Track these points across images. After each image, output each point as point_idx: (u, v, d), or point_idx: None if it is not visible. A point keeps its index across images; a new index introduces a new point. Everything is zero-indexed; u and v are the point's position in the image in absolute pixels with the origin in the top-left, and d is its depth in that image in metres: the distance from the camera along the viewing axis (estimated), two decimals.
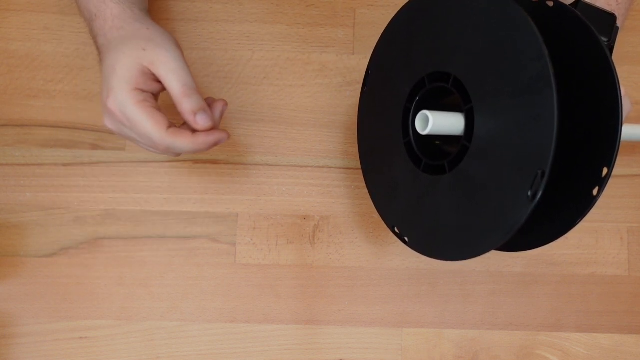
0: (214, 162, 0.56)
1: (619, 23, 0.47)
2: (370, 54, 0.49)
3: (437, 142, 0.45)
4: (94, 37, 0.48)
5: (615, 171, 0.58)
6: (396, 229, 0.46)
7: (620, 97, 0.38)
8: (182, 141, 0.42)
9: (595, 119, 0.39)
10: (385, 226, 0.56)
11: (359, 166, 0.56)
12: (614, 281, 0.57)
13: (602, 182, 0.38)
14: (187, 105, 0.42)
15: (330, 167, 0.57)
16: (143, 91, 0.43)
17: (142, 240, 0.55)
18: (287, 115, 0.57)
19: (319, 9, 0.58)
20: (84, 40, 0.56)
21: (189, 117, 0.42)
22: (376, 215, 0.56)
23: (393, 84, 0.46)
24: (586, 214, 0.40)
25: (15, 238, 0.54)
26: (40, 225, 0.54)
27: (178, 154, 0.46)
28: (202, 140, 0.43)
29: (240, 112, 0.56)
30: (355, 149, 0.57)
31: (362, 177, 0.51)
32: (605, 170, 0.38)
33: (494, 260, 0.57)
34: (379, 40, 0.49)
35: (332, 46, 0.58)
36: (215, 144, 0.43)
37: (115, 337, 0.54)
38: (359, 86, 0.56)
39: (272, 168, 0.56)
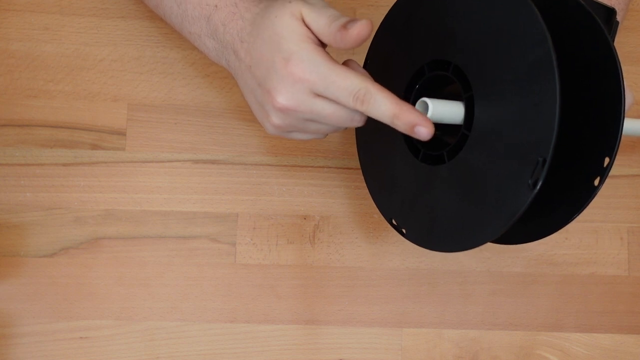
0: (214, 162, 0.56)
1: (618, 18, 0.47)
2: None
3: (436, 132, 0.44)
4: (212, 31, 0.43)
5: (615, 171, 0.58)
6: (394, 221, 0.46)
7: (623, 81, 0.37)
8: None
9: (597, 107, 0.38)
10: (385, 226, 0.56)
11: (359, 166, 0.56)
12: (614, 281, 0.57)
13: (603, 172, 0.38)
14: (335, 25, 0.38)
15: (330, 167, 0.57)
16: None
17: (142, 240, 0.55)
18: None
19: None
20: (84, 40, 0.56)
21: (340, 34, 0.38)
22: (376, 215, 0.56)
23: (392, 73, 0.45)
24: (587, 205, 0.39)
25: (15, 238, 0.54)
26: (40, 225, 0.54)
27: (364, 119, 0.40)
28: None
29: (240, 112, 0.56)
30: (355, 149, 0.57)
31: (362, 175, 0.51)
32: (607, 160, 0.38)
33: (494, 260, 0.57)
34: (377, 30, 0.48)
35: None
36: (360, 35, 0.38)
37: (115, 337, 0.54)
38: None
39: (272, 168, 0.56)
